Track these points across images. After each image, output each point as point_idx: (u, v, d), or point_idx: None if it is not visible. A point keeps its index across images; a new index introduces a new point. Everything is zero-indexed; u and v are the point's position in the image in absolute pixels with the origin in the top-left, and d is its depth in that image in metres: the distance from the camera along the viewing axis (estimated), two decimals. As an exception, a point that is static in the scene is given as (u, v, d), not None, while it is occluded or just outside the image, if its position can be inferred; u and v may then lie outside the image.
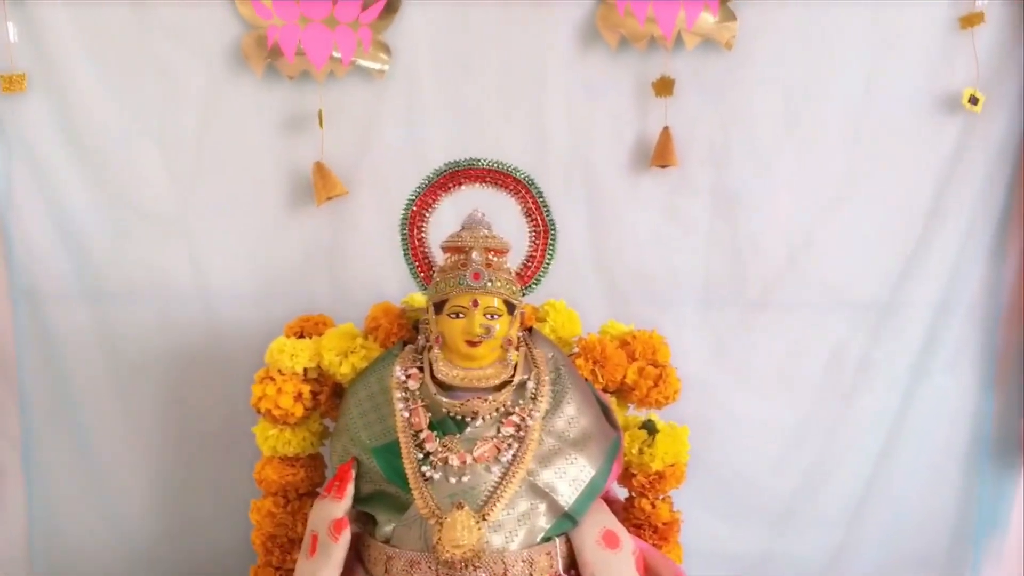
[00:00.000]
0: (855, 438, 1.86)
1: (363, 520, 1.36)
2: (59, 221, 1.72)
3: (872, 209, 1.79)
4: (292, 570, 1.46)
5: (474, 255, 1.31)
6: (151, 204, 1.74)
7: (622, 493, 1.56)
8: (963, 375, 1.85)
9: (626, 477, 1.52)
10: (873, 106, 1.76)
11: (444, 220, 1.39)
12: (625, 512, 1.51)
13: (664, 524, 1.51)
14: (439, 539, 1.23)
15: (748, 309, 1.83)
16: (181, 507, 1.80)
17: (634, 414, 1.56)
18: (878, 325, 1.83)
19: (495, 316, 1.30)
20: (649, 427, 1.51)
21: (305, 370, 1.44)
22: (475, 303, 1.29)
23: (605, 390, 1.49)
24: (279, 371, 1.43)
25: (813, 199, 1.79)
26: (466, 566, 1.23)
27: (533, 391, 1.34)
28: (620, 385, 1.50)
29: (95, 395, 1.77)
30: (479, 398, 1.31)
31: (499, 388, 1.33)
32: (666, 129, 1.73)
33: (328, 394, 1.46)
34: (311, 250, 1.75)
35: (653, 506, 1.51)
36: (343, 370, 1.42)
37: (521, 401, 1.33)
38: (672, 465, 1.50)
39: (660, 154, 1.75)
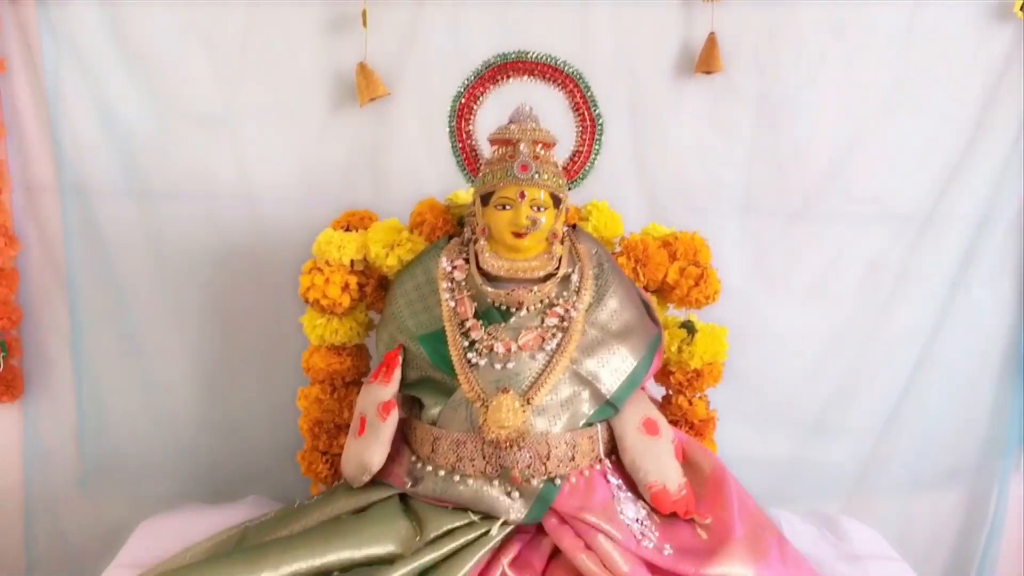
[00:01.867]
0: (890, 350, 1.87)
1: (409, 406, 1.40)
2: (106, 120, 1.73)
3: (917, 120, 1.78)
4: (338, 455, 1.51)
5: (522, 147, 1.32)
6: (196, 104, 1.74)
7: (659, 392, 1.59)
8: (1001, 289, 1.85)
9: (664, 375, 1.55)
10: (922, 15, 1.74)
11: (490, 117, 1.40)
12: (662, 410, 1.53)
13: (700, 421, 1.54)
14: (484, 420, 1.26)
15: (789, 219, 1.83)
16: (225, 401, 1.84)
17: (673, 314, 1.58)
18: (918, 237, 1.83)
19: (541, 208, 1.32)
20: (689, 327, 1.53)
21: (352, 262, 1.46)
22: (522, 195, 1.31)
23: (646, 289, 1.51)
24: (326, 262, 1.46)
25: (858, 109, 1.78)
26: (510, 446, 1.26)
27: (577, 284, 1.37)
28: (661, 284, 1.52)
29: (142, 291, 1.80)
30: (524, 289, 1.33)
31: (544, 280, 1.35)
32: (712, 35, 1.71)
33: (374, 286, 1.49)
34: (354, 151, 1.76)
35: (690, 403, 1.54)
36: (389, 262, 1.44)
37: (565, 293, 1.35)
38: (710, 364, 1.53)
39: (705, 60, 1.73)
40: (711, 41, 1.72)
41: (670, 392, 1.56)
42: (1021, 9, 1.70)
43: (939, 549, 1.94)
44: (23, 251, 1.77)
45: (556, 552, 1.26)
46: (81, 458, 1.86)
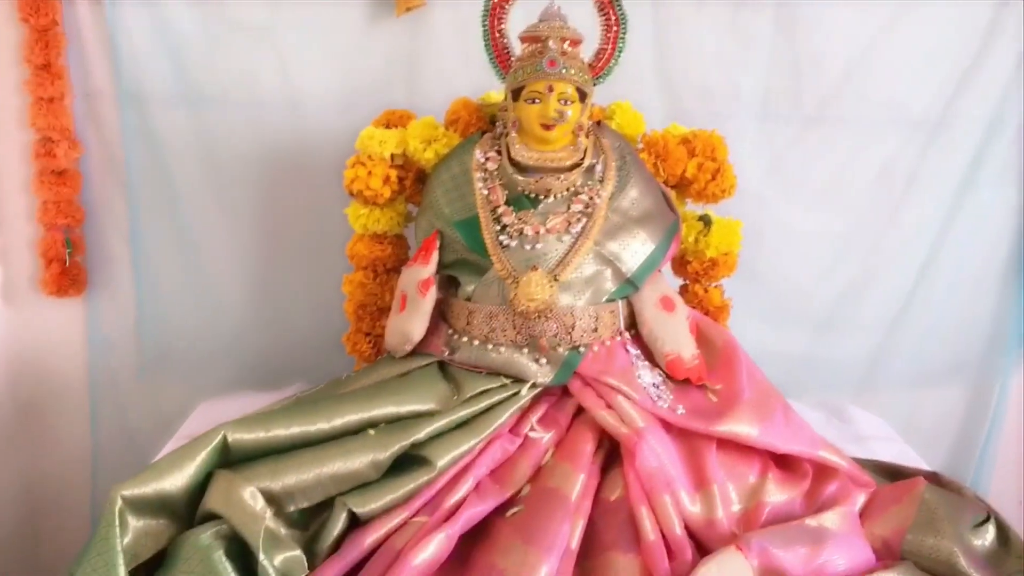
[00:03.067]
0: (900, 249, 1.97)
1: (445, 288, 1.52)
2: (160, 30, 1.83)
3: (929, 27, 1.85)
4: (380, 336, 1.65)
5: (550, 44, 1.42)
6: (243, 16, 1.84)
7: (676, 283, 1.70)
8: (1008, 191, 1.94)
9: (681, 265, 1.66)
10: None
11: (520, 18, 1.50)
12: (680, 299, 1.65)
13: (715, 308, 1.66)
14: (515, 295, 1.39)
15: (804, 123, 1.92)
16: (273, 294, 1.98)
17: (692, 209, 1.68)
18: (929, 140, 1.91)
19: (568, 102, 1.42)
20: (705, 219, 1.64)
21: (392, 156, 1.58)
22: (550, 89, 1.41)
23: (666, 184, 1.62)
24: (369, 157, 1.58)
25: (872, 16, 1.85)
26: (539, 317, 1.39)
27: (601, 174, 1.48)
28: (680, 180, 1.62)
29: (195, 191, 1.92)
30: (552, 177, 1.44)
31: (570, 169, 1.46)
32: (733, -57, 1.79)
33: (412, 179, 1.61)
34: (391, 58, 1.85)
35: (706, 291, 1.65)
36: (427, 156, 1.56)
37: (590, 182, 1.47)
38: (725, 254, 1.64)
39: (726, -32, 1.81)
40: (732, -50, 1.80)
41: (687, 282, 1.68)
42: (1033, -83, 1.76)
43: (942, 439, 2.05)
44: (85, 154, 1.90)
45: (579, 411, 1.39)
46: (140, 348, 2.00)
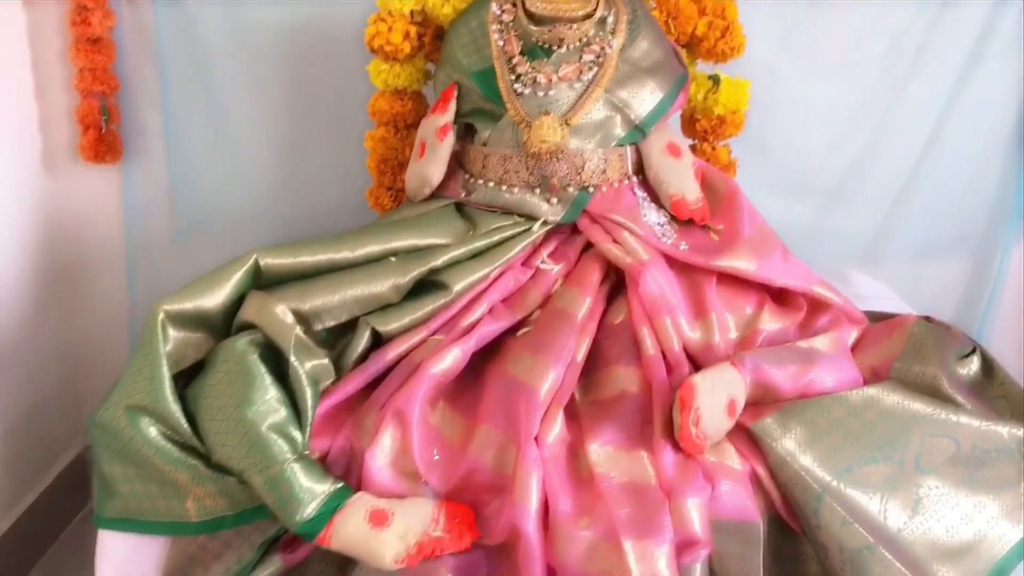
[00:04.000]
0: (907, 122, 2.01)
1: (462, 137, 1.60)
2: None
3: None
4: (401, 190, 1.74)
5: None
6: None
7: (686, 142, 1.76)
8: (1013, 64, 1.97)
9: (690, 124, 1.73)
10: None
11: None
12: (688, 158, 1.71)
13: (723, 166, 1.73)
14: (528, 137, 1.46)
15: (815, -3, 1.96)
16: (298, 167, 2.06)
17: (702, 69, 1.74)
18: (937, 14, 1.94)
19: (581, -47, 1.48)
20: (714, 78, 1.70)
21: (412, 12, 1.64)
22: (564, -60, 1.47)
23: (677, 42, 1.67)
24: (389, 12, 1.64)
25: None
26: (550, 159, 1.47)
27: (612, 25, 1.54)
28: (690, 38, 1.68)
29: (224, 63, 1.98)
30: (565, 27, 1.51)
31: (582, 20, 1.52)
32: None
33: (431, 36, 1.67)
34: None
35: (713, 149, 1.72)
36: (445, 11, 1.62)
37: (601, 33, 1.53)
38: (733, 112, 1.70)
39: None
40: None
41: (696, 141, 1.74)
42: None
43: (944, 309, 2.11)
44: (118, 24, 1.97)
45: (587, 247, 1.48)
46: (173, 214, 2.10)
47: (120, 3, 1.96)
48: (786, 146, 2.02)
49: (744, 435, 1.28)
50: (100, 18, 1.93)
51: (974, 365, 1.44)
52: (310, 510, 1.19)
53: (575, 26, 1.51)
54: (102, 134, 2.00)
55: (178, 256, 2.11)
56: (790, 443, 1.25)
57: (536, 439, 1.22)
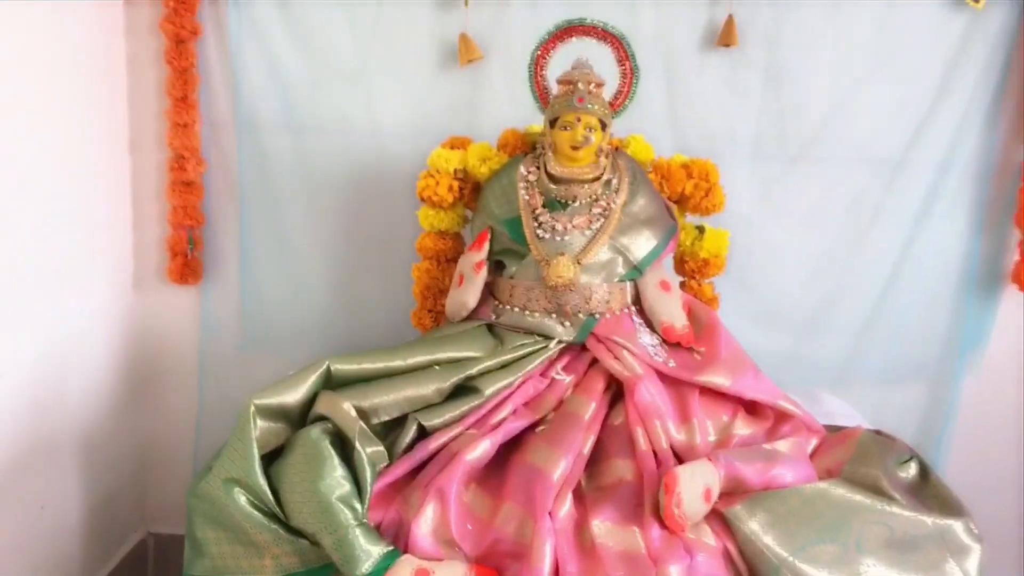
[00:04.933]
0: (868, 267, 2.34)
1: (493, 271, 1.95)
2: (272, 72, 2.29)
3: (892, 85, 2.25)
4: (441, 312, 2.08)
5: (579, 85, 1.87)
6: (339, 62, 2.30)
7: (676, 281, 2.10)
8: (958, 220, 2.32)
9: (680, 265, 2.08)
10: (896, 6, 2.23)
11: (558, 66, 1.95)
12: (680, 293, 2.06)
13: (707, 300, 2.06)
14: (547, 273, 1.81)
15: (788, 162, 2.31)
16: (352, 290, 2.40)
17: (690, 220, 2.10)
18: (891, 178, 2.30)
19: (592, 129, 1.86)
20: (700, 228, 2.06)
21: (455, 170, 2.02)
22: (579, 119, 1.85)
23: (669, 199, 2.04)
24: (437, 170, 2.02)
25: (845, 76, 2.26)
26: (565, 290, 1.82)
27: (616, 186, 1.91)
28: (680, 196, 2.05)
29: (293, 203, 2.37)
30: (578, 186, 1.88)
31: (592, 181, 1.89)
32: (730, 16, 2.23)
33: (470, 189, 2.05)
34: (455, 99, 2.30)
35: (699, 285, 2.07)
36: (482, 171, 2.00)
37: (607, 192, 1.90)
38: (716, 256, 2.05)
39: (724, 36, 2.24)
40: (730, 21, 2.23)
41: (684, 279, 2.09)
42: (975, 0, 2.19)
43: (905, 430, 2.38)
44: (207, 171, 2.37)
45: (593, 362, 1.80)
46: (242, 330, 2.44)
47: (211, 153, 2.37)
48: (764, 284, 2.36)
49: (718, 518, 1.58)
50: (194, 165, 2.33)
51: (912, 470, 1.74)
52: (367, 567, 1.48)
53: (586, 186, 1.88)
54: (187, 260, 2.37)
55: (244, 367, 2.44)
56: (755, 525, 1.54)
57: (550, 514, 1.52)
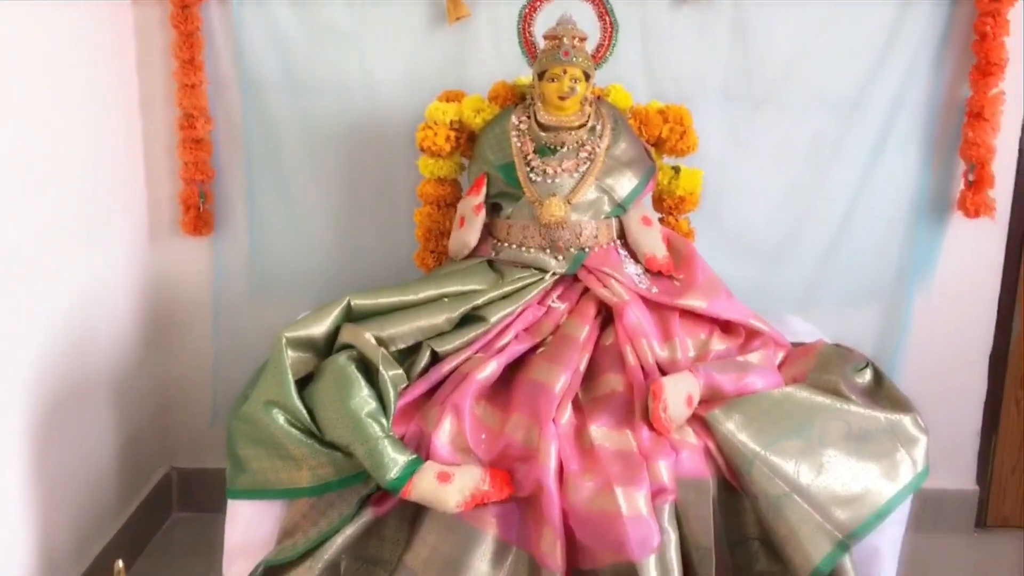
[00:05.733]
0: (827, 200, 2.54)
1: (490, 213, 2.14)
2: (273, 34, 2.44)
3: (847, 30, 2.43)
4: (443, 252, 2.27)
5: (565, 40, 2.04)
6: (335, 22, 2.45)
7: (656, 216, 2.30)
8: (909, 155, 2.52)
9: (658, 203, 2.28)
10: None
11: (543, 23, 2.13)
12: (658, 228, 2.26)
13: (684, 233, 2.27)
14: (540, 212, 2.01)
15: (754, 106, 2.49)
16: (355, 237, 2.58)
17: (667, 162, 2.30)
18: (848, 118, 2.49)
19: (577, 81, 2.04)
20: (676, 168, 2.26)
21: (451, 122, 2.20)
22: (564, 71, 2.03)
23: (647, 142, 2.24)
24: (435, 122, 2.21)
25: (804, 25, 2.44)
26: (557, 227, 2.02)
27: (600, 132, 2.10)
28: (657, 139, 2.24)
29: (296, 158, 2.53)
30: (566, 133, 2.07)
31: (578, 128, 2.08)
32: (701, -29, 2.41)
33: (465, 139, 2.23)
34: (445, 54, 2.45)
35: (676, 221, 2.27)
36: (476, 121, 2.19)
37: (592, 138, 2.09)
38: (691, 193, 2.25)
39: (695, -10, 2.43)
40: (701, -24, 2.41)
41: (663, 215, 2.29)
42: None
43: (864, 347, 2.57)
44: (215, 128, 2.52)
45: (585, 291, 2.01)
46: (252, 276, 2.62)
47: (217, 111, 2.53)
48: (734, 218, 2.56)
49: (699, 421, 1.80)
50: (202, 123, 2.49)
51: (867, 376, 1.97)
52: (395, 473, 1.69)
53: (573, 132, 2.07)
54: (199, 213, 2.54)
55: (254, 310, 2.62)
56: (731, 426, 1.77)
57: (553, 422, 1.74)
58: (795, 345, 2.08)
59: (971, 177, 2.48)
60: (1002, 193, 2.52)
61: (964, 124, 2.47)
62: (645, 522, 1.63)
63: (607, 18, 2.10)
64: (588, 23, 2.11)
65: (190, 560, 2.50)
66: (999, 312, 2.65)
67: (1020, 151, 2.54)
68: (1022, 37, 2.41)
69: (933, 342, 2.65)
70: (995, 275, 2.63)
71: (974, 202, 2.47)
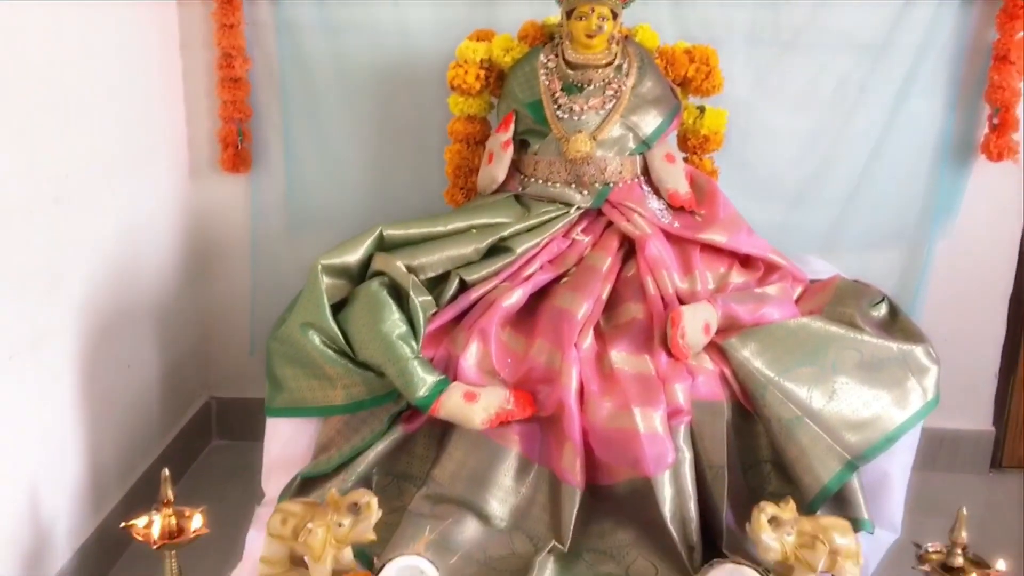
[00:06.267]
0: (853, 142, 2.58)
1: (518, 149, 2.20)
2: (309, -25, 2.54)
3: (875, -23, 2.48)
4: (472, 189, 2.34)
5: (593, -20, 2.10)
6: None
7: (680, 154, 2.35)
8: (934, 98, 2.54)
9: (683, 141, 2.33)
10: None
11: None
12: (682, 167, 2.32)
13: (708, 172, 2.33)
14: (567, 148, 2.07)
15: (781, 48, 2.52)
16: (387, 174, 2.66)
17: (692, 102, 2.35)
18: (874, 61, 2.52)
19: (604, 19, 2.08)
20: (701, 108, 2.31)
21: (481, 60, 2.26)
22: (592, 10, 2.08)
23: (673, 82, 2.28)
24: (465, 60, 2.26)
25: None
26: (583, 163, 2.08)
27: (626, 70, 2.15)
28: (683, 79, 2.28)
29: (330, 98, 2.61)
30: (593, 71, 2.12)
31: (605, 66, 2.13)
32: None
33: (495, 77, 2.29)
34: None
35: (700, 159, 2.33)
36: (506, 60, 2.25)
37: (618, 75, 2.14)
38: (715, 133, 2.30)
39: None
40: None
41: (687, 154, 2.35)
42: None
43: (886, 286, 2.60)
44: (252, 68, 2.60)
45: (608, 225, 2.08)
46: (288, 213, 2.71)
47: (255, 52, 2.60)
48: (759, 160, 2.60)
49: (716, 349, 1.87)
50: (240, 63, 2.56)
51: (883, 310, 2.03)
52: (424, 391, 1.78)
53: (600, 71, 2.12)
54: (237, 151, 2.63)
55: (290, 245, 2.72)
56: (747, 352, 1.84)
57: (575, 346, 1.82)
58: (813, 281, 2.13)
59: (995, 121, 2.50)
60: (1027, 137, 2.54)
61: (990, 68, 2.49)
62: (661, 440, 1.71)
63: (635, -42, 2.14)
64: (616, -38, 2.15)
65: (228, 485, 2.62)
66: (1020, 255, 2.68)
67: (1046, 94, 2.55)
68: (1051, -20, 2.41)
69: (953, 284, 2.69)
70: (1017, 219, 2.65)
71: (998, 145, 2.49)
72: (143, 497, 2.20)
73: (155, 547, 1.74)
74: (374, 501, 1.62)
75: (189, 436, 2.76)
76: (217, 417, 2.90)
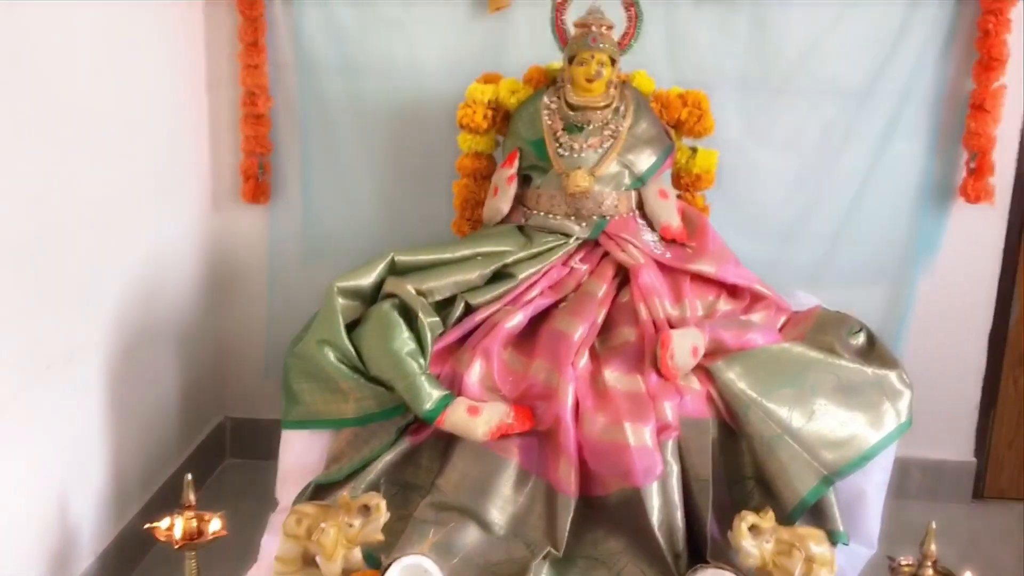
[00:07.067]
0: (838, 184, 2.71)
1: (521, 184, 2.35)
2: (328, 22, 2.67)
3: (858, 25, 2.61)
4: (478, 220, 2.49)
5: (593, 28, 2.26)
6: (385, 12, 2.69)
7: (674, 191, 2.50)
8: (915, 143, 2.68)
9: (676, 179, 2.48)
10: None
11: (575, 12, 2.34)
12: (676, 204, 2.47)
13: (699, 208, 2.48)
14: (567, 183, 2.22)
15: (771, 94, 2.68)
16: (398, 208, 2.80)
17: (685, 143, 2.50)
18: (858, 106, 2.66)
19: (603, 65, 2.24)
20: (693, 149, 2.47)
21: (489, 101, 2.43)
22: (592, 56, 2.24)
23: (667, 124, 2.44)
24: (474, 101, 2.43)
25: (819, 19, 2.62)
26: (582, 197, 2.23)
27: (623, 112, 2.30)
28: (676, 121, 2.44)
29: (347, 135, 2.76)
30: (592, 112, 2.28)
31: (603, 108, 2.29)
32: (720, -32, 2.61)
33: (501, 117, 2.45)
34: (485, 41, 2.67)
35: (693, 196, 2.48)
36: (512, 101, 2.41)
37: (616, 117, 2.29)
38: (706, 172, 2.45)
39: (715, -15, 2.63)
40: (720, -27, 2.62)
41: (680, 192, 2.50)
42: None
43: (871, 321, 2.75)
44: (274, 106, 2.77)
45: (604, 255, 2.22)
46: (304, 242, 2.86)
47: (277, 91, 2.77)
48: (748, 198, 2.73)
49: (703, 371, 2.01)
50: (263, 101, 2.73)
51: (861, 338, 2.16)
52: (430, 405, 1.92)
53: (599, 112, 2.28)
54: (258, 183, 2.79)
55: (305, 274, 2.85)
56: (732, 374, 1.98)
57: (571, 366, 1.96)
58: (796, 312, 2.27)
59: (972, 165, 2.65)
60: (1003, 181, 2.69)
61: (967, 115, 2.64)
62: (650, 453, 1.84)
63: (633, 9, 2.31)
64: (616, 13, 2.32)
65: (241, 502, 2.72)
66: (999, 293, 2.81)
67: (1021, 142, 2.70)
68: (1023, 35, 2.58)
69: (935, 321, 2.82)
70: (995, 258, 2.79)
71: (975, 188, 2.64)
72: (162, 506, 2.30)
73: (177, 547, 1.87)
74: (383, 503, 1.75)
75: (205, 453, 2.88)
76: (231, 436, 3.03)
